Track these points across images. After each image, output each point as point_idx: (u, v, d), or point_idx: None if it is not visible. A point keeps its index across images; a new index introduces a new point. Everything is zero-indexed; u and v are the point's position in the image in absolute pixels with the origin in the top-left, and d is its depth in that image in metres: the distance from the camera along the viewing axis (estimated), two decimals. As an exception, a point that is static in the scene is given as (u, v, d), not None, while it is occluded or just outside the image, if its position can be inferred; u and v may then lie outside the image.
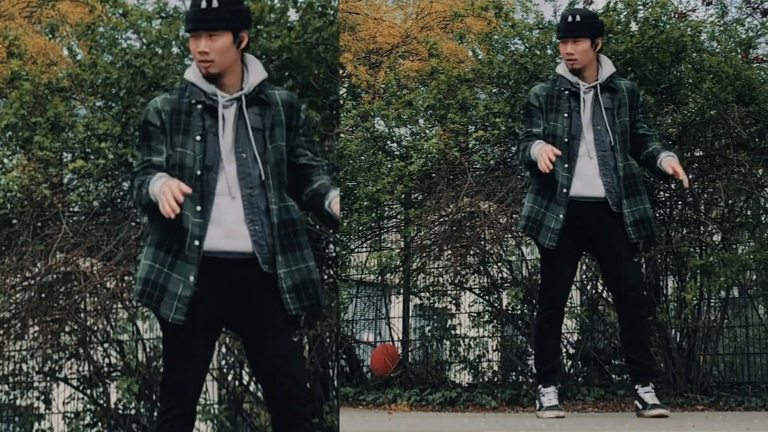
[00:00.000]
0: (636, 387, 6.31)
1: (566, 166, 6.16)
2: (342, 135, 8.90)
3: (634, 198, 6.19)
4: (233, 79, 4.47)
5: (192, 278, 4.30)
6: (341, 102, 9.89)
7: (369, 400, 8.26)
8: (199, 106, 4.44)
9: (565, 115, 6.23)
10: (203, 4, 4.37)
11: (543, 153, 5.94)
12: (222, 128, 4.42)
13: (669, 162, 6.12)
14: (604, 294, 8.26)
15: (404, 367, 8.90)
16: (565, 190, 6.15)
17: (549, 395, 6.31)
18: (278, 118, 4.50)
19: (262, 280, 4.38)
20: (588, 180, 6.19)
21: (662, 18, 7.82)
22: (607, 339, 8.40)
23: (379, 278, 9.39)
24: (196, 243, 4.31)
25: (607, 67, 6.32)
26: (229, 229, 4.36)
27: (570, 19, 6.21)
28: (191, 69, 4.53)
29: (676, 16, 8.88)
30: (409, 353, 9.29)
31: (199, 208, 4.34)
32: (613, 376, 8.16)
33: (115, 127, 7.15)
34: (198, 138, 4.40)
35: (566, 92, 6.27)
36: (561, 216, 6.15)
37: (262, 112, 4.49)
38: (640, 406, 6.26)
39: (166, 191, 4.14)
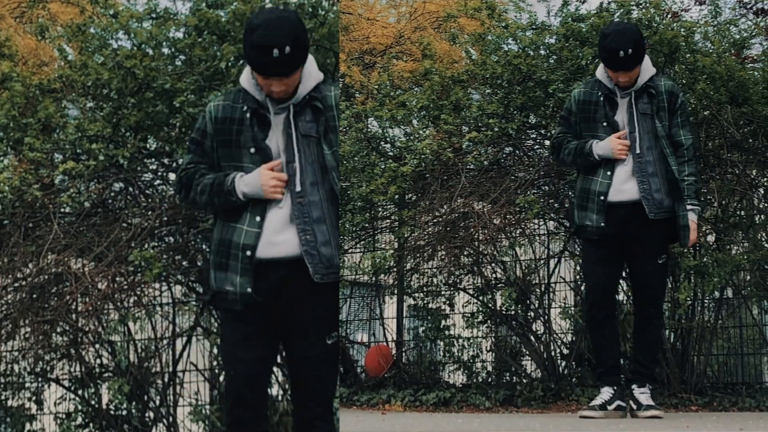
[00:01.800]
0: (632, 387, 6.32)
1: (605, 172, 6.20)
2: (335, 136, 8.90)
3: (681, 203, 6.19)
4: None
5: (248, 288, 4.39)
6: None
7: (363, 401, 8.26)
8: (249, 114, 4.44)
9: (604, 123, 6.24)
10: (275, 53, 4.20)
11: (615, 144, 6.14)
12: (271, 138, 4.42)
13: (692, 223, 6.22)
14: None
15: (398, 368, 8.90)
16: (602, 198, 6.19)
17: (602, 395, 6.35)
18: (332, 124, 4.45)
19: (301, 284, 4.41)
20: (617, 185, 6.21)
21: (655, 19, 7.82)
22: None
23: (373, 279, 9.39)
24: (248, 253, 4.37)
25: (647, 71, 6.24)
26: (271, 238, 4.39)
27: (623, 54, 5.99)
28: (246, 75, 4.48)
29: (669, 15, 8.88)
30: (403, 354, 9.28)
31: (258, 218, 4.39)
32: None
33: (106, 128, 7.13)
34: (252, 150, 4.43)
35: (602, 98, 6.26)
36: (601, 223, 6.21)
37: (316, 119, 4.45)
38: (634, 407, 6.27)
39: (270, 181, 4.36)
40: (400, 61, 11.80)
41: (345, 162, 8.43)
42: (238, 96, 4.49)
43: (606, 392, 6.29)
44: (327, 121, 4.44)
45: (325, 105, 4.45)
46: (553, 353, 8.18)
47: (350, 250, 9.47)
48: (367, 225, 8.94)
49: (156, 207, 7.22)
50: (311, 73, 4.46)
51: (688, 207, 6.17)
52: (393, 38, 12.21)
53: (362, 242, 9.41)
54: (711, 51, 7.84)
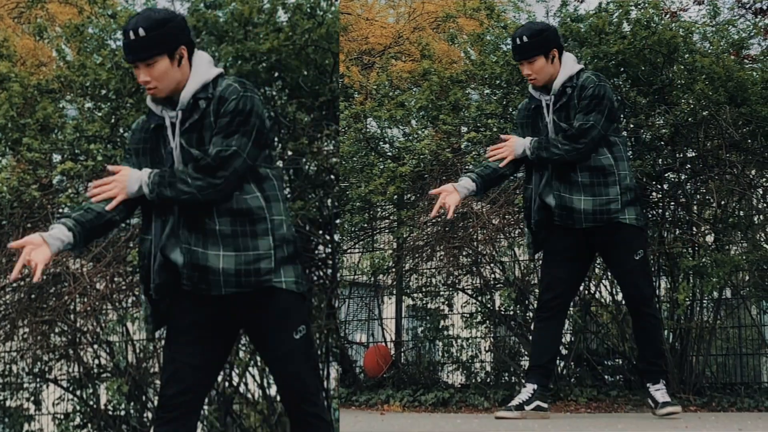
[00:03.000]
0: (648, 385, 6.29)
1: (536, 178, 6.19)
2: (334, 136, 8.90)
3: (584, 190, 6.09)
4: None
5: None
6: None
7: (362, 401, 8.25)
8: (154, 130, 4.43)
9: (530, 131, 6.21)
10: (131, 35, 4.26)
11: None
12: (172, 148, 4.38)
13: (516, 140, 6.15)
14: (597, 295, 8.25)
15: (397, 368, 8.90)
16: (530, 201, 6.22)
17: (521, 394, 6.26)
18: (221, 120, 4.32)
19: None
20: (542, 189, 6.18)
21: (654, 19, 7.81)
22: (600, 339, 8.39)
23: (372, 279, 9.38)
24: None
25: (563, 74, 6.11)
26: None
27: (518, 41, 6.01)
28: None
29: (668, 15, 8.88)
30: (402, 354, 9.28)
31: (156, 226, 4.38)
32: (606, 376, 8.16)
33: (104, 128, 7.14)
34: (150, 163, 4.43)
35: (533, 107, 6.22)
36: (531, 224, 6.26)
37: (200, 120, 4.37)
38: (652, 405, 6.24)
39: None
40: (399, 61, 11.81)
41: (344, 162, 8.43)
42: (149, 116, 4.48)
43: (526, 391, 6.20)
44: (217, 117, 4.34)
45: (214, 101, 4.36)
46: (551, 353, 8.16)
47: (349, 251, 9.47)
48: (365, 225, 8.95)
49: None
50: (196, 76, 4.39)
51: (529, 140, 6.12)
52: (392, 38, 12.23)
53: (361, 242, 9.41)
54: (710, 51, 7.83)
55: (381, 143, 8.78)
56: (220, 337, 4.44)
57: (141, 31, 4.25)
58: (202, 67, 4.42)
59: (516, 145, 6.08)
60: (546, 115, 6.12)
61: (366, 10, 13.02)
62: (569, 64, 6.12)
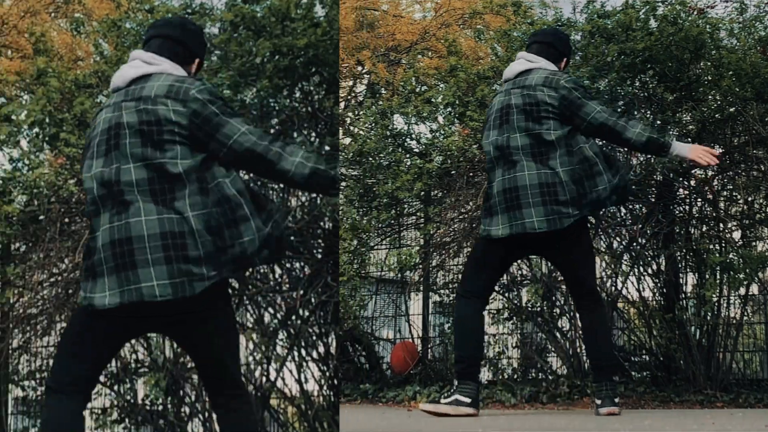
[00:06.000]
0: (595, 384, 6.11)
1: None
2: (361, 132, 8.93)
3: None
4: None
5: None
6: (361, 100, 9.91)
7: (389, 397, 8.28)
8: None
9: None
10: None
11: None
12: None
13: None
14: (624, 291, 8.26)
15: (424, 364, 8.92)
16: None
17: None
18: None
19: None
20: None
21: (681, 15, 7.81)
22: (627, 336, 8.40)
23: (399, 275, 9.41)
24: None
25: None
26: None
27: None
28: None
29: (695, 12, 8.87)
30: (429, 350, 9.31)
31: None
32: (633, 373, 8.16)
33: (141, 123, 7.14)
34: None
35: None
36: None
37: None
38: (598, 402, 6.06)
39: None
40: (426, 57, 11.83)
41: (371, 159, 8.47)
42: None
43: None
44: None
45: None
46: (578, 350, 8.18)
47: (376, 247, 9.50)
48: (392, 222, 8.97)
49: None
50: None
51: None
52: (418, 35, 12.23)
53: (388, 239, 9.43)
54: (737, 47, 7.83)
55: (408, 140, 8.81)
56: None
57: None
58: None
59: None
60: None
61: (393, 7, 13.03)
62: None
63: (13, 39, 11.05)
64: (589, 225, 6.29)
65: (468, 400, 5.90)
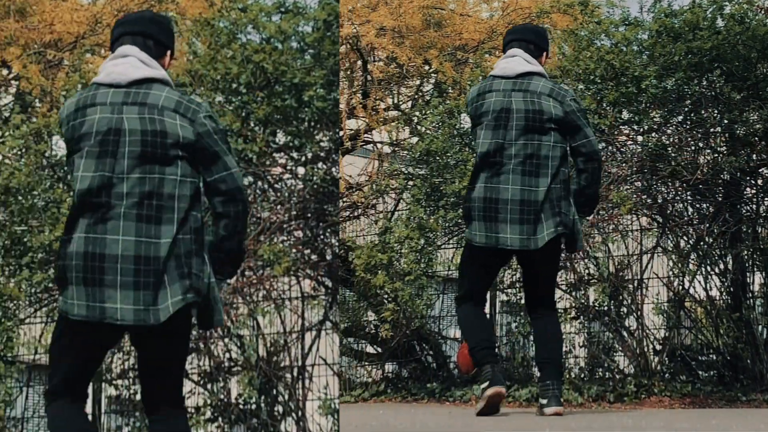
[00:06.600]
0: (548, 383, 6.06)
1: None
2: (428, 132, 8.98)
3: None
4: None
5: None
6: (428, 99, 9.96)
7: (456, 396, 8.33)
8: None
9: None
10: None
11: None
12: None
13: None
14: (691, 291, 8.24)
15: (491, 363, 8.94)
16: None
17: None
18: None
19: None
20: None
21: (748, 14, 7.78)
22: (694, 335, 8.38)
23: (466, 275, 9.42)
24: None
25: None
26: None
27: None
28: None
29: (763, 11, 8.81)
30: (496, 350, 9.33)
31: None
32: (700, 372, 8.14)
33: (235, 122, 7.20)
34: None
35: None
36: None
37: None
38: (543, 402, 6.03)
39: None
40: (493, 56, 11.84)
41: (438, 158, 8.51)
42: None
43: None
44: None
45: None
46: (645, 349, 8.18)
47: (443, 246, 9.53)
48: (459, 221, 9.01)
49: (285, 201, 7.30)
50: None
51: None
52: (485, 34, 12.21)
53: (455, 238, 9.46)
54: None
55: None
56: None
57: None
58: None
59: None
60: None
61: (460, 6, 13.03)
62: None
63: (106, 37, 11.19)
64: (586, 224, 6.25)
65: (485, 384, 5.93)
